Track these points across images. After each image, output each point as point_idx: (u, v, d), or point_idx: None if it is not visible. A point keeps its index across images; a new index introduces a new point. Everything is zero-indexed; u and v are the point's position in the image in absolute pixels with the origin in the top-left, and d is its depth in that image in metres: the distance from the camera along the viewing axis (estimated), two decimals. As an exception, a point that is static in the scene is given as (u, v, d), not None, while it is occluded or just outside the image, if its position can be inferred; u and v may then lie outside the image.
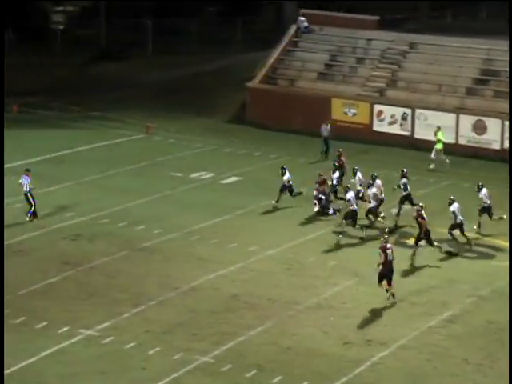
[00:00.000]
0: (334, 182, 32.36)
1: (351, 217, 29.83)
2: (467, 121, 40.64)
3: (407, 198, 31.06)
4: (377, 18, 50.30)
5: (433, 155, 39.53)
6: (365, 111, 45.14)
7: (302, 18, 47.54)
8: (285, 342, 21.62)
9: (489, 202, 29.99)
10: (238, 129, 46.05)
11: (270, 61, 48.95)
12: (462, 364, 19.52)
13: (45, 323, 21.46)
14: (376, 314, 23.58)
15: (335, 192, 32.54)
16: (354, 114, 44.87)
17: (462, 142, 40.63)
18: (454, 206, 28.74)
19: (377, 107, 44.78)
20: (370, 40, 49.15)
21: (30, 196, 29.57)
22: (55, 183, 34.98)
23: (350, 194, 30.15)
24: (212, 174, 36.73)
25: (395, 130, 41.91)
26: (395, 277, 24.16)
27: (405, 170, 31.71)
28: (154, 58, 58.51)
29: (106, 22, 59.76)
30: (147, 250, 28.06)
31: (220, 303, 24.30)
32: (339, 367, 19.93)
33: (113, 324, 21.46)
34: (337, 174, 32.84)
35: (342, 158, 34.59)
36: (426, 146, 41.08)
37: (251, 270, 26.61)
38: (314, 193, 32.04)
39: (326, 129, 38.57)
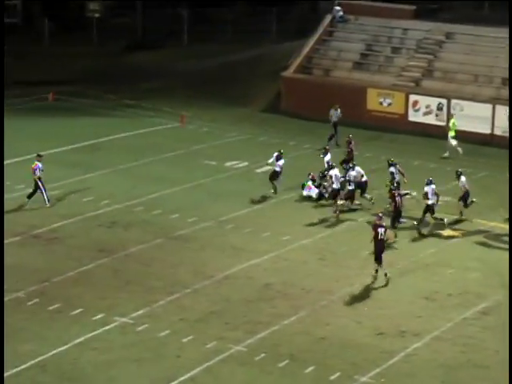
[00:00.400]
0: (326, 166, 32.08)
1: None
2: (503, 111, 40.21)
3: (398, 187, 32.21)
4: (413, 7, 49.71)
5: (452, 143, 38.91)
6: (400, 101, 44.97)
7: (338, 8, 47.25)
8: (318, 332, 21.59)
9: (467, 187, 29.89)
10: (272, 118, 45.88)
11: (305, 50, 48.72)
12: (496, 356, 19.29)
13: (80, 310, 21.54)
14: (410, 304, 23.43)
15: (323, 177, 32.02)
16: (390, 104, 44.63)
17: (497, 132, 40.18)
18: (431, 187, 28.72)
19: (412, 97, 44.41)
20: (406, 30, 48.77)
21: (39, 182, 29.47)
22: (90, 171, 35.09)
23: (334, 172, 30.12)
24: (246, 163, 36.70)
25: (430, 120, 41.64)
26: (433, 268, 24.33)
27: (392, 159, 31.20)
28: (189, 47, 58.79)
29: (143, 11, 60.10)
30: (182, 238, 28.08)
31: (253, 292, 24.34)
32: (372, 358, 19.92)
33: (147, 312, 21.53)
34: (328, 156, 32.32)
35: (351, 145, 34.53)
36: (461, 136, 40.08)
37: (285, 259, 26.59)
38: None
39: (335, 114, 38.15)
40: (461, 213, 30.16)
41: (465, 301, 23.50)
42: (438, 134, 41.50)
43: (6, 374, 18.77)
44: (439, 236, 29.01)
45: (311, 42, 48.58)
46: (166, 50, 57.82)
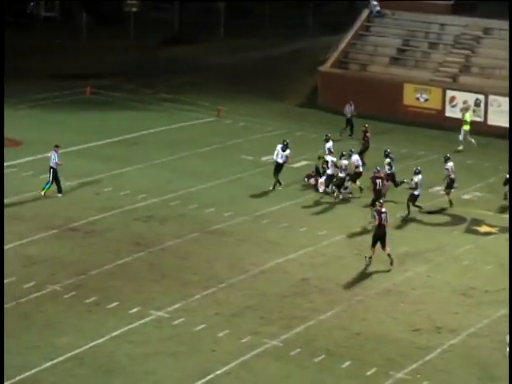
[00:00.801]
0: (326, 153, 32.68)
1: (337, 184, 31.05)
2: (541, 106, 40.22)
3: (392, 179, 31.30)
4: (451, 2, 49.61)
5: (461, 137, 38.82)
6: (437, 97, 45.03)
7: (375, 3, 47.45)
8: (354, 327, 21.70)
9: (453, 175, 30.19)
10: (309, 113, 45.99)
11: (342, 45, 48.98)
12: (533, 354, 20.12)
13: (116, 303, 21.81)
14: (446, 301, 23.49)
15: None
16: (426, 100, 44.81)
17: (535, 128, 40.27)
18: (418, 177, 29.05)
19: (449, 93, 44.56)
20: (443, 25, 48.95)
21: (53, 172, 29.79)
22: (127, 165, 35.47)
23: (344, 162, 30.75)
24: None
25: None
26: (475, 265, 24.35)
27: (388, 150, 31.66)
28: (226, 41, 59.32)
29: (180, 5, 60.58)
30: (218, 232, 28.33)
31: (289, 287, 24.55)
32: (408, 354, 19.96)
33: (183, 306, 21.77)
34: (330, 144, 32.63)
35: (368, 134, 34.77)
36: (499, 132, 40.39)
37: (321, 254, 26.65)
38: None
39: (349, 109, 38.54)
40: (450, 202, 29.91)
41: (502, 297, 23.30)
42: (475, 129, 41.30)
43: (42, 367, 18.73)
44: (476, 232, 28.92)
45: (348, 36, 48.65)
46: (202, 44, 58.10)
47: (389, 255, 24.55)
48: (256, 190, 32.47)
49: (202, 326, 20.72)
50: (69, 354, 19.35)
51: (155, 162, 36.20)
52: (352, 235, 27.99)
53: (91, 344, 19.65)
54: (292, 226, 28.59)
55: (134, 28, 60.31)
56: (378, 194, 28.08)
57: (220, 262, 25.33)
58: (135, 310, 21.49)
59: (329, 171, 32.12)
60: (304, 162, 36.15)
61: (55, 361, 19.35)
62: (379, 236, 24.82)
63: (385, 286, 24.09)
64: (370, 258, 24.65)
